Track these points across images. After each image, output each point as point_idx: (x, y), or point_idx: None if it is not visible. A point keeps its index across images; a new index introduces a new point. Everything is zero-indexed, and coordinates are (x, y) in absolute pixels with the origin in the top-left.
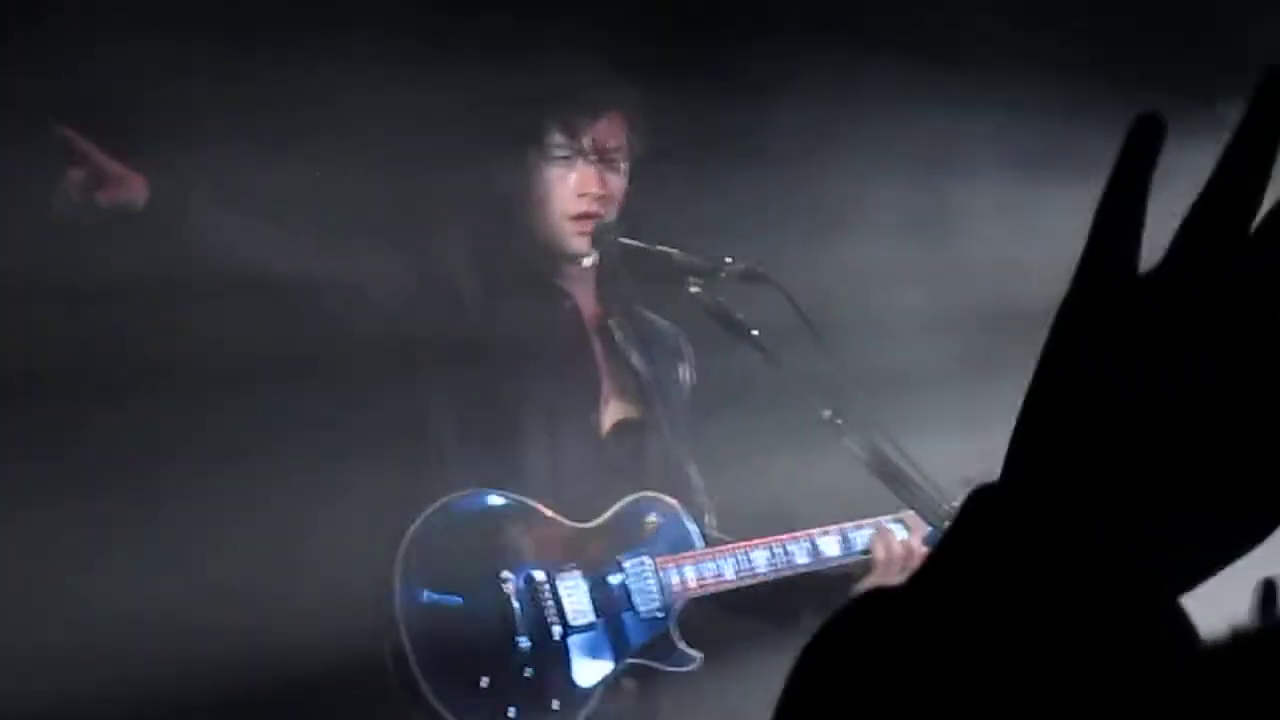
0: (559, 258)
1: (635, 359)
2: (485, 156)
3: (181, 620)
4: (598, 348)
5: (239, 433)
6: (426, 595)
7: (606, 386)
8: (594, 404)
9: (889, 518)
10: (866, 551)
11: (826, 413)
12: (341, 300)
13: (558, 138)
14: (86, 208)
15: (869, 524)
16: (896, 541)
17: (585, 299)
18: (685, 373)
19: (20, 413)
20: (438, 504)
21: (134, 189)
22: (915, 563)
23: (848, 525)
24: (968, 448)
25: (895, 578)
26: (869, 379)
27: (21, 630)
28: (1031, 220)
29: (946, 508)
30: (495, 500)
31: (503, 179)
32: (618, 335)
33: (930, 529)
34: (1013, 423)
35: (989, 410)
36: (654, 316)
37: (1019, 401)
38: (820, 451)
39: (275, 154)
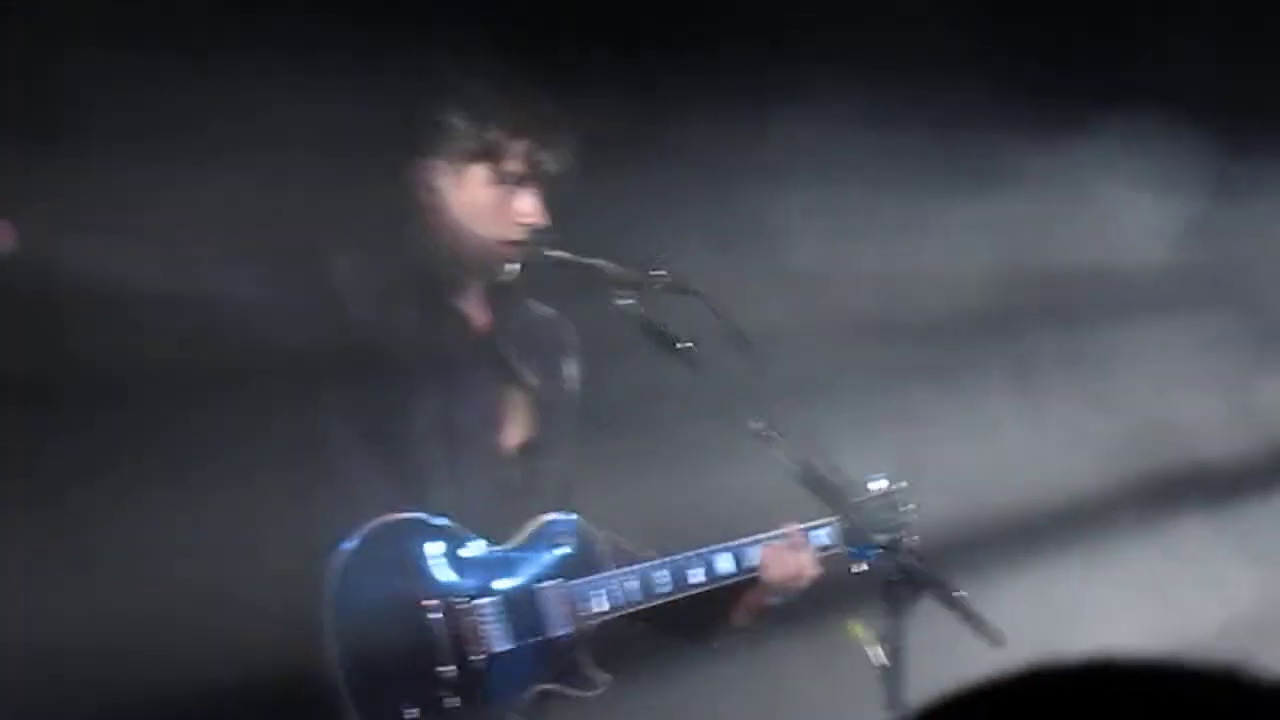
0: (468, 274)
1: (529, 374)
2: (390, 175)
3: (90, 649)
4: (492, 365)
5: (140, 453)
6: (354, 624)
7: (503, 405)
8: (493, 424)
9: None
10: (752, 570)
11: (756, 424)
12: (239, 320)
13: (515, 164)
14: None
15: (758, 539)
16: (787, 557)
17: (477, 313)
18: (571, 367)
19: None
20: (363, 530)
21: None
22: (805, 577)
23: (743, 540)
24: (892, 454)
25: (785, 591)
26: (797, 389)
27: None
28: (953, 232)
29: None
30: (416, 525)
31: (407, 197)
32: (511, 350)
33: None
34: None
35: (911, 417)
36: (539, 310)
37: (938, 408)
38: (749, 463)
39: (175, 173)
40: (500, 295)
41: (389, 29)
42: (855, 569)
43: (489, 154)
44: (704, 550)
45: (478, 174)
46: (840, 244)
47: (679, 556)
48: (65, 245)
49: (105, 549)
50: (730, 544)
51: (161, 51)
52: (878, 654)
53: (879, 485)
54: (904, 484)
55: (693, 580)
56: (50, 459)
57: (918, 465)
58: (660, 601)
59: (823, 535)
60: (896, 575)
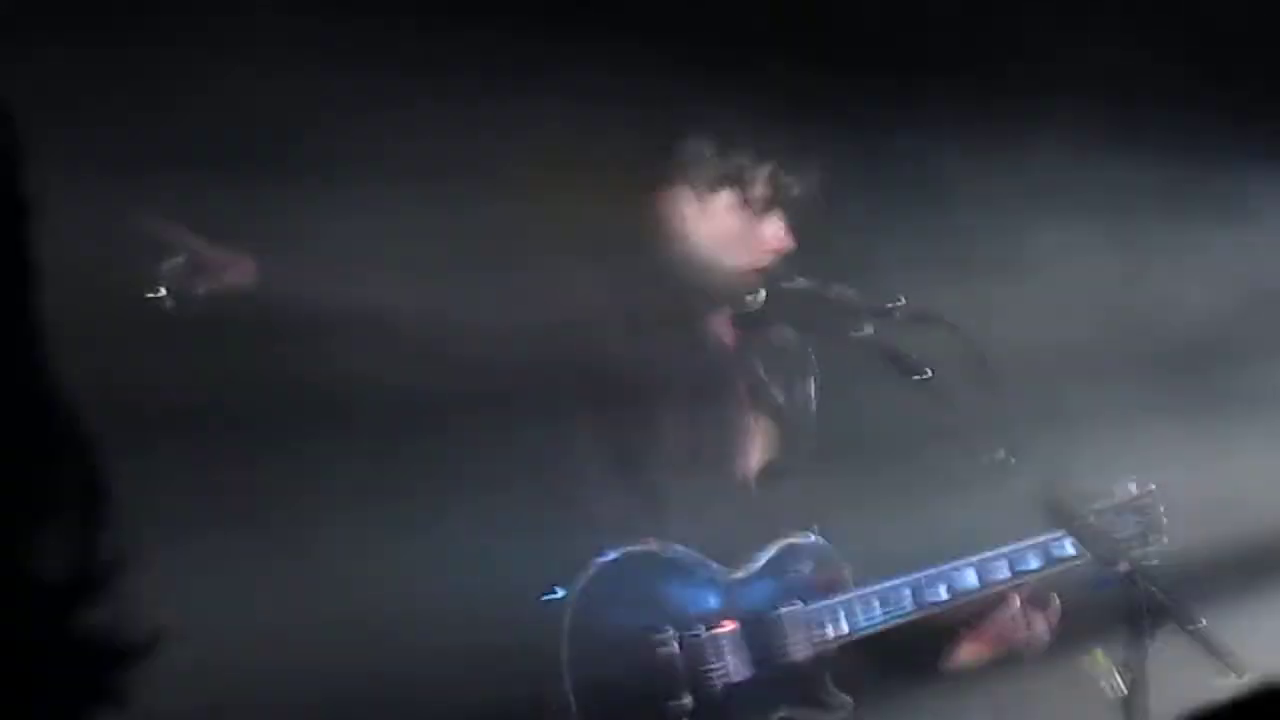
0: (714, 301)
1: (773, 396)
2: (640, 202)
3: (317, 676)
4: (736, 387)
5: (383, 473)
6: (592, 656)
7: (747, 428)
8: (737, 447)
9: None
10: (1004, 581)
11: (1000, 453)
12: (480, 341)
13: (762, 189)
14: (184, 298)
15: (1002, 554)
16: (1016, 621)
17: (727, 335)
18: (812, 391)
19: (176, 448)
20: (600, 562)
21: (237, 272)
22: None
23: (986, 555)
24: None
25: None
26: (1039, 419)
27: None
28: (1199, 263)
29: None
30: (653, 554)
31: (656, 223)
32: (755, 371)
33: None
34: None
35: (1159, 450)
36: (785, 334)
37: (1187, 440)
38: (991, 493)
39: (418, 199)
40: (746, 321)
41: (635, 56)
42: (1097, 654)
43: (735, 180)
44: (945, 567)
45: (724, 200)
46: (1081, 273)
47: (920, 574)
48: (304, 277)
49: (339, 575)
50: (972, 559)
51: (394, 80)
52: (1117, 683)
53: (1129, 489)
54: (1153, 486)
55: (933, 600)
56: (284, 487)
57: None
58: (902, 620)
59: (1066, 545)
60: (1137, 603)
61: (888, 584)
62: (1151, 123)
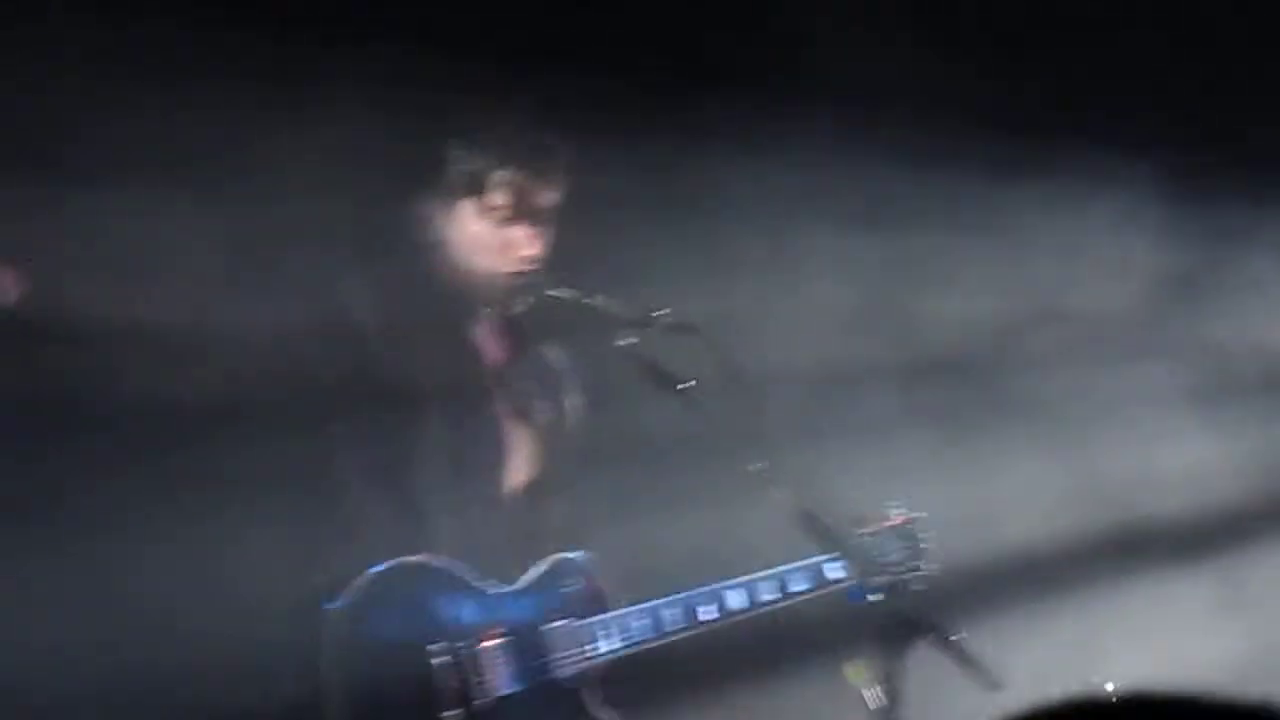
0: (475, 309)
1: (537, 412)
2: (404, 206)
3: (88, 694)
4: (501, 405)
5: (151, 483)
6: (362, 666)
7: (511, 443)
8: (501, 462)
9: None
10: (771, 602)
11: (757, 465)
12: (247, 349)
13: (499, 196)
14: None
15: (772, 574)
16: None
17: (490, 350)
18: (576, 407)
19: None
20: (366, 575)
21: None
22: None
23: (757, 575)
24: (895, 496)
25: None
26: (798, 431)
27: None
28: (963, 275)
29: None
30: (424, 566)
31: (420, 230)
32: (520, 387)
33: (853, 587)
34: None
35: (919, 461)
36: (548, 353)
37: (947, 452)
38: (751, 504)
39: (180, 206)
40: (511, 332)
41: (398, 60)
42: (854, 665)
43: (474, 187)
44: (715, 586)
45: (468, 208)
46: (845, 283)
47: (690, 593)
48: (74, 287)
49: (106, 584)
50: (743, 579)
51: (162, 83)
52: (876, 695)
53: (897, 514)
54: (923, 514)
55: (704, 617)
56: (52, 497)
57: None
58: (670, 639)
59: (837, 568)
60: (894, 617)
61: (657, 602)
62: (924, 134)
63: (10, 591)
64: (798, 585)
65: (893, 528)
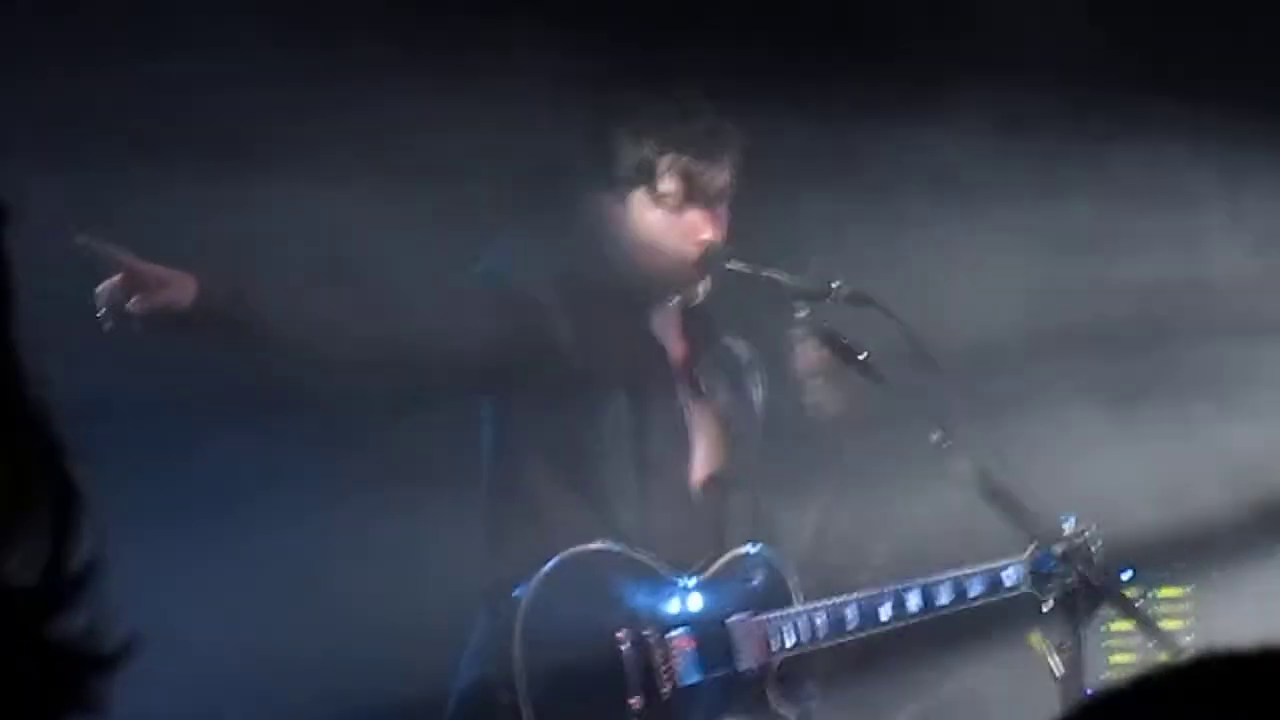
0: (657, 297)
1: (722, 405)
2: (581, 195)
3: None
4: (685, 396)
5: (343, 474)
6: (545, 654)
7: (694, 437)
8: (685, 454)
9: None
10: (947, 606)
11: (935, 436)
12: (425, 339)
13: (671, 183)
14: (120, 316)
15: (949, 577)
16: None
17: (674, 341)
18: (760, 399)
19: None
20: (557, 559)
21: (177, 290)
22: None
23: (932, 579)
24: (1074, 471)
25: None
26: (978, 403)
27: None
28: (1135, 246)
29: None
30: (608, 555)
31: (601, 217)
32: (704, 383)
33: (1039, 553)
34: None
35: (1096, 433)
36: (733, 344)
37: (1123, 425)
38: (935, 478)
39: (350, 198)
40: (694, 323)
41: (565, 49)
42: (1045, 608)
43: (644, 175)
44: (893, 588)
45: (640, 197)
46: (1012, 256)
47: (867, 594)
48: (250, 301)
49: (282, 573)
50: (918, 580)
51: (341, 79)
52: (1056, 662)
53: (1068, 526)
54: (1094, 526)
55: (882, 617)
56: (248, 491)
57: (1093, 480)
58: (849, 639)
59: (1011, 574)
60: (1075, 586)
61: (836, 600)
62: (1088, 105)
63: (206, 588)
64: (975, 590)
65: (1066, 541)
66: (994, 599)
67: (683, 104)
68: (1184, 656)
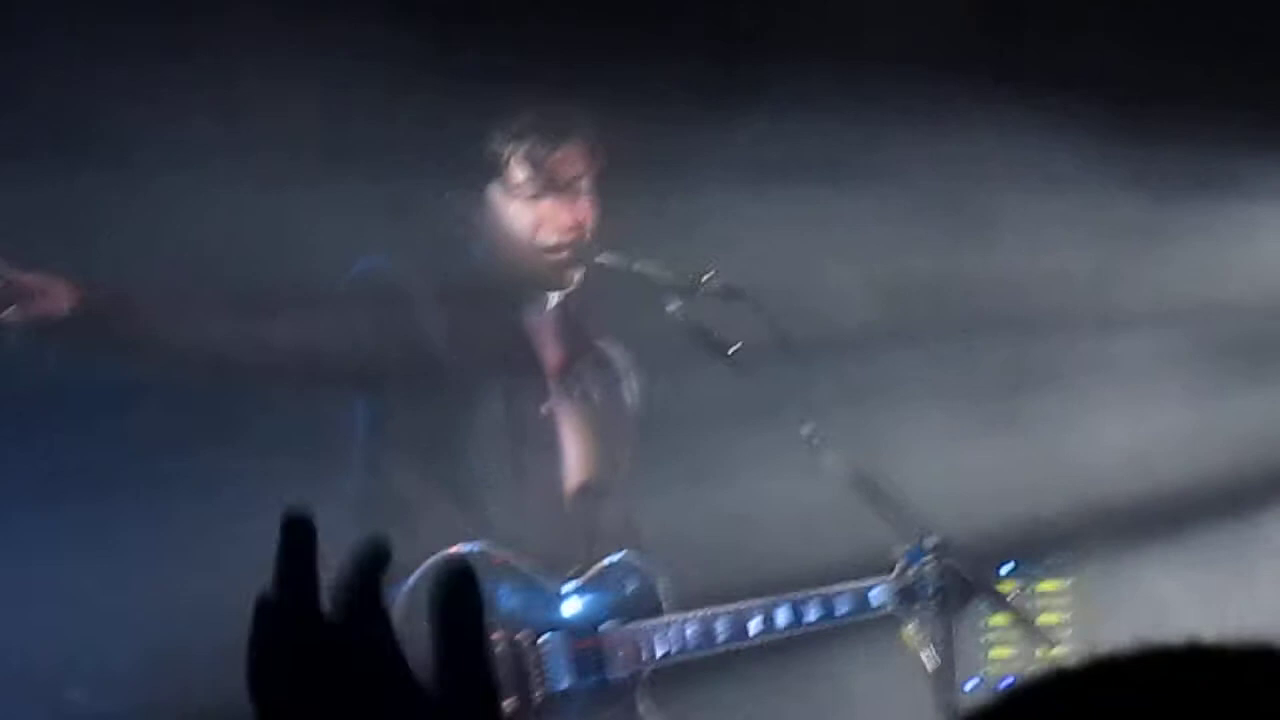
0: (526, 294)
1: (594, 410)
2: (441, 190)
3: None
4: (557, 399)
5: (189, 469)
6: (414, 658)
7: (565, 441)
8: (558, 458)
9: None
10: (815, 623)
11: (805, 430)
12: (299, 338)
13: (520, 172)
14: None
15: (817, 594)
16: None
17: (548, 343)
18: (632, 400)
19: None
20: (432, 559)
21: (54, 299)
22: None
23: (800, 595)
24: (945, 463)
25: None
26: (847, 396)
27: None
28: (1007, 234)
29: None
30: (480, 558)
31: (461, 215)
32: (577, 386)
33: (909, 547)
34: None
35: (966, 425)
36: (608, 348)
37: (993, 416)
38: (804, 473)
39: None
40: (568, 324)
41: (432, 43)
42: (908, 629)
43: (497, 167)
44: (761, 602)
45: (496, 190)
46: (884, 247)
47: (738, 605)
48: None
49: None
50: (788, 596)
51: (204, 70)
52: (932, 657)
53: (930, 543)
54: (941, 539)
55: (752, 632)
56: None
57: (957, 469)
58: (716, 650)
59: (877, 594)
60: (947, 580)
61: (706, 612)
62: (942, 86)
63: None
64: (838, 609)
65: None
66: (860, 618)
67: (525, 91)
68: (1060, 651)
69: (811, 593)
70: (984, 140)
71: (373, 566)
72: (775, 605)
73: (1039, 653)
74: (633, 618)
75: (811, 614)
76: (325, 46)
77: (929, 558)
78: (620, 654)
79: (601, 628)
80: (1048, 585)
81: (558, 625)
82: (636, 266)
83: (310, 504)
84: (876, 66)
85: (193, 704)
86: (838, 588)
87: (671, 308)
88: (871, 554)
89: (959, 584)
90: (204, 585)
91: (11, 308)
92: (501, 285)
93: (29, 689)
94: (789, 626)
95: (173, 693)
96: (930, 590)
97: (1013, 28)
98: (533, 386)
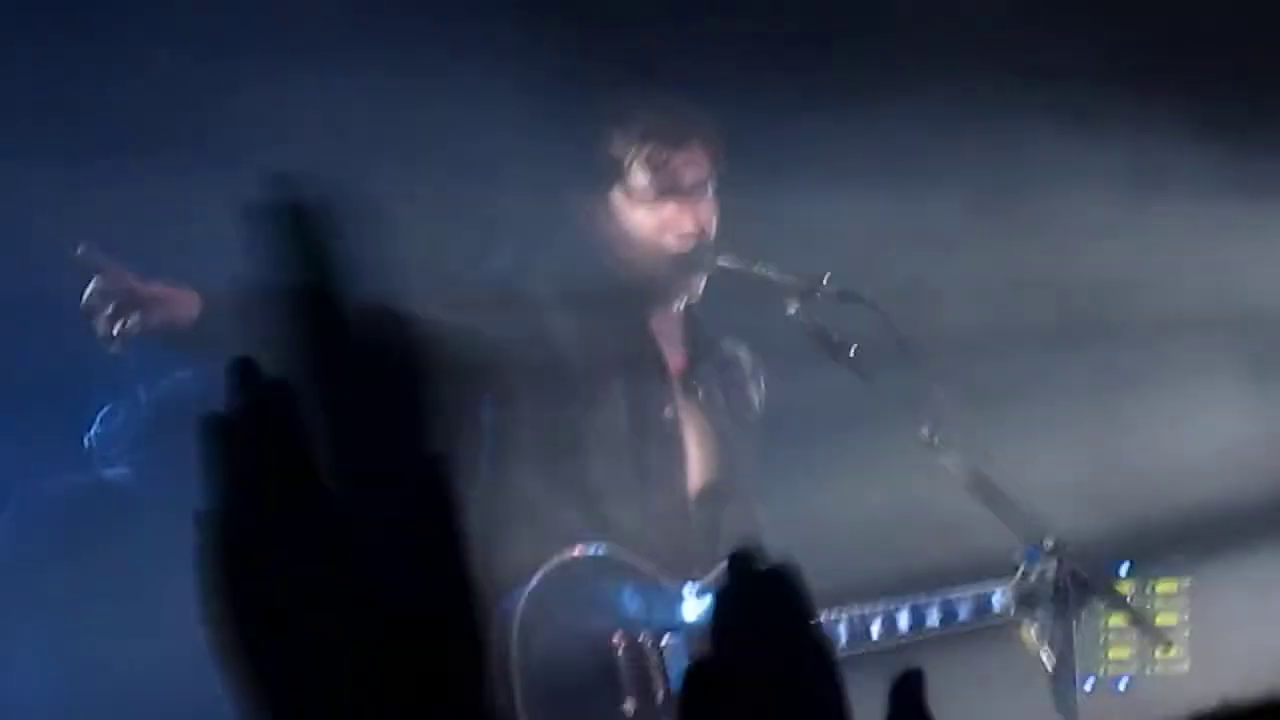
0: (650, 297)
1: (719, 412)
2: (564, 194)
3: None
4: (681, 402)
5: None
6: (540, 655)
7: (689, 444)
8: (679, 462)
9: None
10: (935, 628)
11: (924, 432)
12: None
13: (642, 176)
14: (112, 335)
15: (936, 599)
16: None
17: (672, 345)
18: (759, 402)
19: None
20: (552, 563)
21: (176, 308)
22: None
23: (921, 600)
24: (1061, 463)
25: None
26: (965, 398)
27: None
28: (1131, 237)
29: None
30: (604, 560)
31: (584, 219)
32: (702, 389)
33: (1028, 548)
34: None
35: (1080, 425)
36: (734, 350)
37: (1107, 415)
38: (917, 471)
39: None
40: (693, 326)
41: (554, 46)
42: (1026, 629)
43: (618, 172)
44: (884, 606)
45: (618, 195)
46: (1002, 248)
47: (859, 610)
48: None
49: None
50: (909, 600)
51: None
52: (1048, 657)
53: (1049, 544)
54: (1059, 540)
55: (873, 635)
56: None
57: (1072, 469)
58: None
59: (998, 598)
60: (1065, 580)
61: (828, 615)
62: (1072, 96)
63: None
64: (957, 614)
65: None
66: (981, 624)
67: (646, 94)
68: (1178, 652)
69: (933, 596)
70: (1116, 145)
71: None
72: (897, 608)
73: (1157, 653)
74: None
75: (933, 618)
76: (454, 52)
77: (1048, 559)
78: None
79: None
80: (1165, 585)
81: (680, 627)
82: (757, 269)
83: None
84: (991, 68)
85: None
86: (958, 592)
87: (791, 310)
88: (990, 556)
89: (1077, 584)
90: None
91: (134, 316)
92: (625, 288)
93: None
94: (911, 630)
95: None
96: (1049, 592)
97: (1117, 27)
98: (656, 389)
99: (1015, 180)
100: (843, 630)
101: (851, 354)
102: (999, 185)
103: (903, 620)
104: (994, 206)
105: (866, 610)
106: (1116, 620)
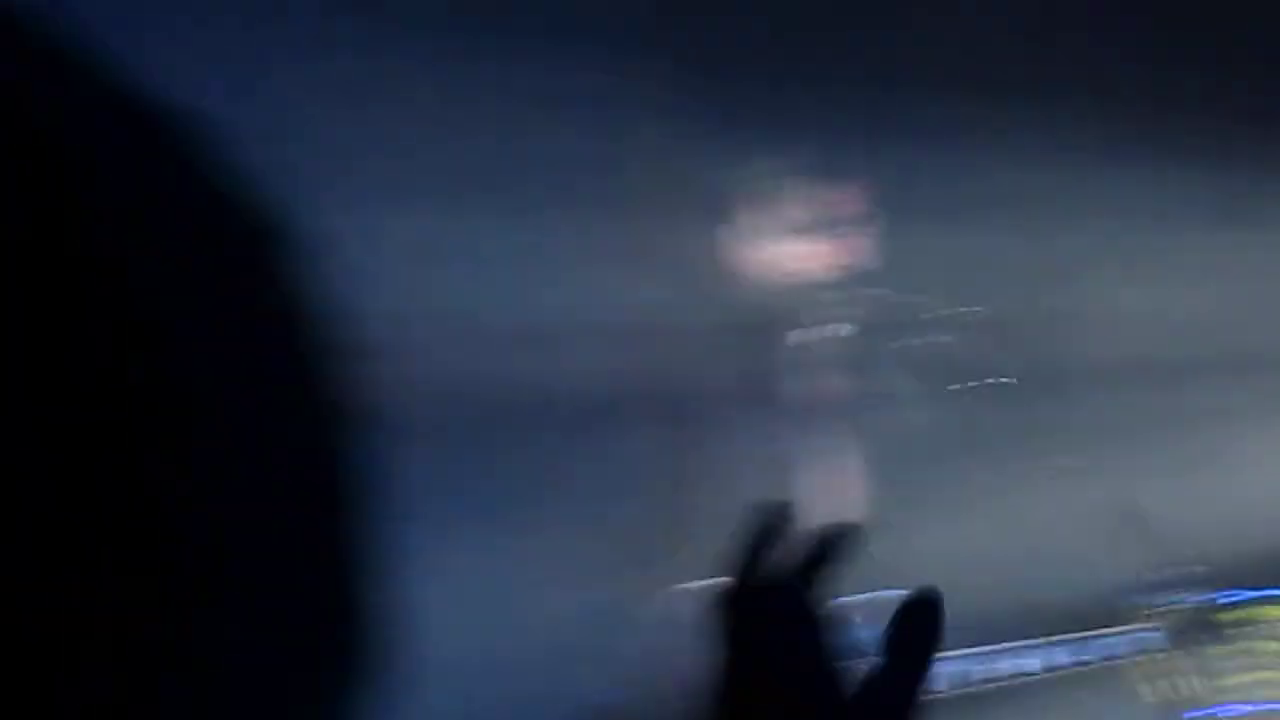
0: (794, 329)
1: (857, 446)
2: (709, 226)
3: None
4: (821, 435)
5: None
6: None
7: (832, 471)
8: (819, 492)
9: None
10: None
11: (1067, 461)
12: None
13: (790, 209)
14: None
15: (1074, 638)
16: None
17: (816, 378)
18: (892, 429)
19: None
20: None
21: None
22: None
23: (1057, 638)
24: (1205, 495)
25: None
26: (1103, 427)
27: None
28: (1241, 268)
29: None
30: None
31: (730, 251)
32: (842, 423)
33: (1161, 578)
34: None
35: (1229, 458)
36: (873, 375)
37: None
38: (1059, 500)
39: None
40: (834, 359)
41: (701, 80)
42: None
43: (765, 203)
44: (1023, 644)
45: (772, 224)
46: (1145, 282)
47: (993, 647)
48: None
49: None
50: (1044, 640)
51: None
52: (1171, 687)
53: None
54: (1189, 570)
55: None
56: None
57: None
58: (970, 690)
59: (1128, 641)
60: (1185, 609)
61: (966, 652)
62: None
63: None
64: (1097, 651)
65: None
66: (1106, 664)
67: (795, 128)
68: None
69: (1068, 636)
70: (1241, 174)
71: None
72: (1032, 648)
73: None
74: None
75: (1064, 656)
76: (598, 90)
77: (1180, 590)
78: None
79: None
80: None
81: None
82: (900, 299)
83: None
84: (1137, 106)
85: None
86: (1093, 633)
87: (934, 339)
88: (1126, 585)
89: (1204, 613)
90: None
91: None
92: (769, 320)
93: None
94: (1045, 670)
95: None
96: (1181, 625)
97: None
98: (796, 421)
99: (1158, 216)
100: (976, 667)
101: (992, 382)
102: (1141, 222)
103: (1035, 660)
104: (1134, 241)
105: (996, 648)
106: (1236, 648)
